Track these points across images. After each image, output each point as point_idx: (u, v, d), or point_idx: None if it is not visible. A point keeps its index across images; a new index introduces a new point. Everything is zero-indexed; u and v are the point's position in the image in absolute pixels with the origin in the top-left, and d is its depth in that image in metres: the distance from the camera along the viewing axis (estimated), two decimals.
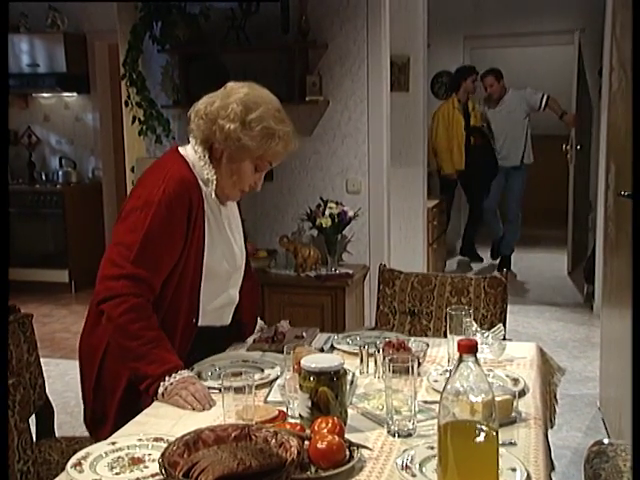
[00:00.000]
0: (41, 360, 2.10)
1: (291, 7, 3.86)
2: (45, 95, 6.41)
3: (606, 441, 1.28)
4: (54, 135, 6.52)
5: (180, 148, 1.93)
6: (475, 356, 1.18)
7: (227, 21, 3.94)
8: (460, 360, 1.18)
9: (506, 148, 6.07)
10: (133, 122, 4.16)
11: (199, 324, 1.92)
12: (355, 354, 1.93)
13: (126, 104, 4.20)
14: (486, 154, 6.16)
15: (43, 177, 6.40)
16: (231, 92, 1.85)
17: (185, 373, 1.74)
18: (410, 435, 1.49)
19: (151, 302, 1.80)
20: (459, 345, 1.18)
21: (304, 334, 2.09)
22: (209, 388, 1.75)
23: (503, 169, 6.09)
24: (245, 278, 2.12)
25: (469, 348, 1.17)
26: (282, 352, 1.75)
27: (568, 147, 6.06)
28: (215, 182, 1.86)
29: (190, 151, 1.90)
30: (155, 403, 1.70)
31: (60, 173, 6.31)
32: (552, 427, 1.87)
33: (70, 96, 6.37)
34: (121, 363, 1.79)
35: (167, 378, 1.71)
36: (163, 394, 1.70)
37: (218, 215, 1.93)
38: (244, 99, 1.82)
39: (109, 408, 1.84)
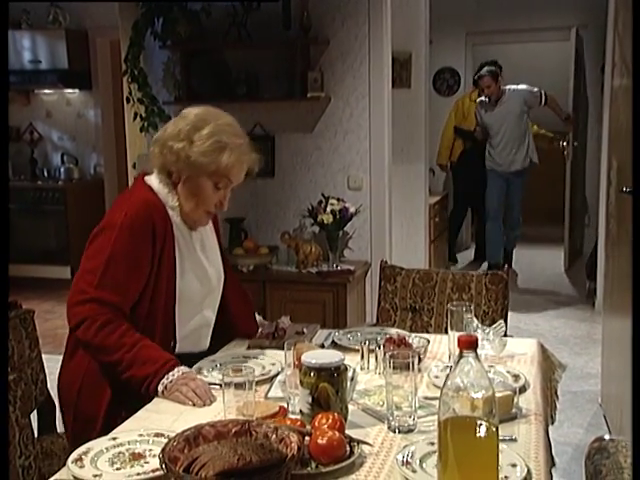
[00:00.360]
0: (43, 356, 2.10)
1: (293, 3, 3.86)
2: (47, 91, 6.41)
3: (607, 437, 1.28)
4: (56, 131, 6.52)
5: (146, 177, 1.93)
6: (475, 352, 1.18)
7: (228, 17, 3.94)
8: (460, 356, 1.18)
9: (507, 153, 5.74)
10: (135, 118, 4.16)
11: (177, 351, 1.90)
12: (356, 350, 1.93)
13: (127, 100, 4.20)
14: (474, 159, 5.98)
15: (45, 173, 6.41)
16: (183, 116, 1.87)
17: (184, 369, 1.74)
18: (411, 431, 1.49)
19: (121, 319, 1.78)
20: (459, 341, 1.18)
21: (305, 330, 2.09)
22: (210, 384, 1.75)
23: (504, 175, 5.78)
24: (233, 293, 2.12)
25: (469, 344, 1.17)
26: (283, 348, 1.75)
27: (565, 144, 6.05)
28: (179, 207, 1.87)
29: (154, 180, 1.90)
30: (156, 399, 1.70)
31: (62, 169, 6.32)
32: (553, 423, 1.87)
33: (72, 92, 6.37)
34: (118, 377, 1.76)
35: (167, 375, 1.70)
36: (163, 391, 1.70)
37: (189, 239, 1.92)
38: (193, 119, 1.84)
39: (90, 435, 1.75)
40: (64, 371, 1.90)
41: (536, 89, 5.75)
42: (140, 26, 4.00)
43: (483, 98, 5.80)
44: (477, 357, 1.19)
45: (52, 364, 2.24)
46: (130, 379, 1.73)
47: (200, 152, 1.79)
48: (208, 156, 1.79)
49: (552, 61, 7.71)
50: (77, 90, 6.32)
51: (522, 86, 5.78)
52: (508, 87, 5.73)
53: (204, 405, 1.65)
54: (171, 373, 1.71)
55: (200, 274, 1.94)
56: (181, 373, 1.71)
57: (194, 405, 1.65)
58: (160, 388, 1.70)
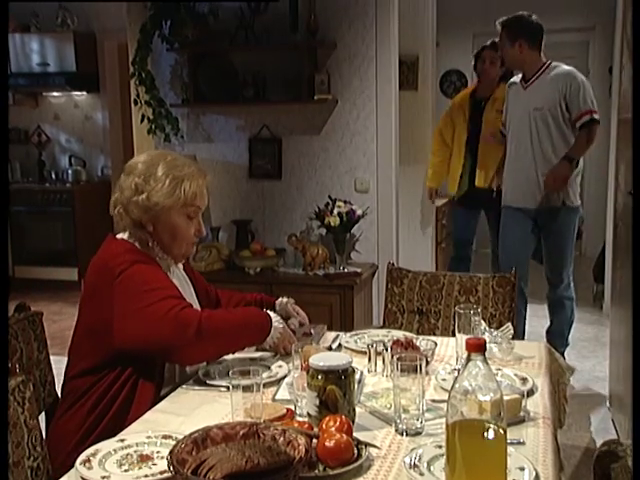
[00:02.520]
0: (51, 358, 2.11)
1: (300, 6, 3.86)
2: (55, 94, 6.44)
3: (616, 441, 1.27)
4: (64, 134, 6.55)
5: (118, 235, 1.94)
6: (483, 355, 1.18)
7: (236, 20, 3.94)
8: (468, 359, 1.18)
9: (518, 173, 3.76)
10: (142, 121, 4.17)
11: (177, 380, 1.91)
12: (363, 352, 1.94)
13: (135, 103, 4.21)
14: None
15: (53, 176, 6.44)
16: (130, 170, 1.90)
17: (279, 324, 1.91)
18: (418, 434, 1.49)
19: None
20: (467, 344, 1.17)
21: (312, 331, 2.09)
22: (217, 387, 1.76)
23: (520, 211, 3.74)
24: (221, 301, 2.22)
25: (477, 347, 1.17)
26: (290, 352, 1.75)
27: None
28: (159, 249, 1.91)
29: (126, 236, 1.92)
30: (163, 402, 1.71)
31: (70, 172, 6.35)
32: (562, 427, 1.86)
33: (80, 95, 6.40)
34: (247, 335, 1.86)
35: (272, 333, 1.88)
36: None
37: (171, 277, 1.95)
38: (142, 169, 1.87)
39: None
40: (60, 422, 1.83)
41: (588, 96, 3.54)
42: (148, 29, 4.01)
43: (516, 78, 3.77)
44: (485, 360, 1.18)
45: (60, 366, 2.24)
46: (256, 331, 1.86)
47: (163, 194, 1.84)
48: (171, 195, 1.85)
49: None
50: (85, 93, 6.35)
51: (566, 69, 3.59)
52: (555, 64, 3.64)
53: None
54: (274, 327, 1.88)
55: None
56: (281, 328, 1.91)
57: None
58: (268, 342, 1.89)
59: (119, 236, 1.93)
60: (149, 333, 1.69)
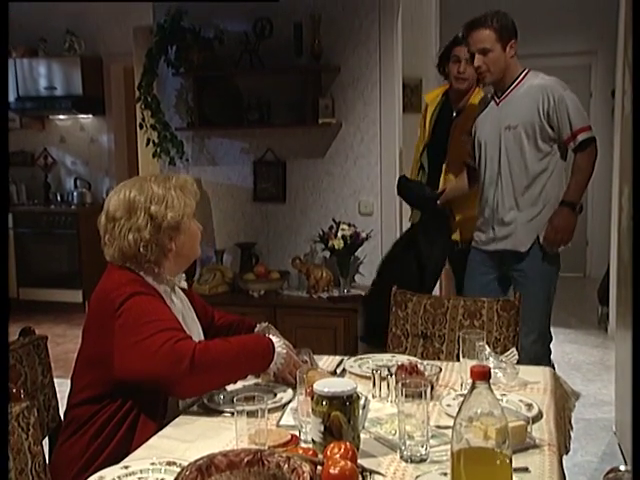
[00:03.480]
0: (55, 380, 2.11)
1: (304, 30, 3.91)
2: (61, 117, 6.51)
3: (622, 468, 1.27)
4: (69, 156, 6.60)
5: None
6: (488, 382, 1.18)
7: (241, 45, 3.99)
8: (473, 387, 1.18)
9: (490, 208, 3.11)
10: (147, 144, 4.21)
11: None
12: (367, 377, 1.93)
13: (140, 126, 4.25)
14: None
15: (58, 198, 6.49)
16: (133, 211, 1.85)
17: (282, 349, 1.85)
18: (423, 461, 1.48)
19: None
20: (472, 372, 1.17)
21: (306, 358, 2.05)
22: (221, 412, 1.75)
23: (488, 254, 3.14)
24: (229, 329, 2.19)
25: (482, 375, 1.17)
26: (294, 381, 1.74)
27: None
28: (165, 274, 1.90)
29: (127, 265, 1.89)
30: (168, 427, 1.70)
31: (75, 194, 6.39)
32: (567, 453, 1.85)
33: (86, 118, 6.46)
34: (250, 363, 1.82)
35: (275, 359, 1.83)
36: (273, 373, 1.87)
37: (173, 308, 1.92)
38: (130, 198, 1.84)
39: None
40: (63, 449, 1.82)
41: (577, 109, 2.95)
42: (154, 54, 4.06)
43: (489, 93, 3.16)
44: (490, 388, 1.18)
45: (64, 388, 2.24)
46: (258, 360, 1.82)
47: (179, 209, 1.86)
48: (185, 206, 1.88)
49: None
50: (91, 116, 6.41)
51: (546, 79, 2.99)
52: (533, 73, 3.02)
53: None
54: (278, 353, 1.83)
55: None
56: (285, 354, 1.85)
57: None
58: (272, 369, 1.84)
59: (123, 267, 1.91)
60: (145, 367, 1.67)
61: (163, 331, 1.69)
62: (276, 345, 1.84)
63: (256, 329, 2.14)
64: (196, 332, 2.01)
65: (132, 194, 1.86)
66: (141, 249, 1.84)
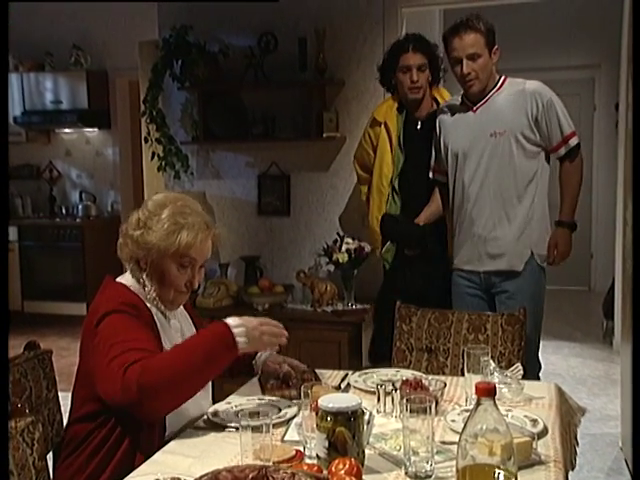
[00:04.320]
0: (59, 394, 2.10)
1: (309, 45, 3.93)
2: (67, 131, 6.54)
3: None
4: (75, 169, 6.64)
5: (120, 277, 1.92)
6: (493, 399, 1.18)
7: (246, 59, 4.02)
8: (478, 403, 1.18)
9: (479, 226, 2.91)
10: (152, 158, 4.23)
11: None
12: (372, 392, 1.92)
13: (146, 140, 4.27)
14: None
15: (63, 211, 6.52)
16: (144, 204, 1.90)
17: (236, 319, 1.75)
18: (429, 477, 1.47)
19: None
20: (477, 388, 1.17)
21: (312, 377, 2.03)
22: (226, 427, 1.75)
23: (477, 280, 2.94)
24: None
25: (487, 391, 1.17)
26: (298, 398, 1.73)
27: None
28: (154, 293, 1.87)
29: (127, 275, 1.91)
30: (172, 443, 1.70)
31: (80, 207, 6.42)
32: (573, 469, 1.84)
33: (91, 131, 6.50)
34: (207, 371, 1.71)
35: (237, 332, 1.71)
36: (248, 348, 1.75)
37: (168, 329, 1.90)
38: (151, 207, 1.86)
39: None
40: (63, 467, 1.82)
41: (565, 115, 2.83)
42: (159, 68, 4.09)
43: (453, 100, 3.02)
44: (495, 404, 1.18)
45: (68, 402, 2.24)
46: (215, 362, 1.71)
47: (158, 237, 1.81)
48: (165, 239, 1.81)
49: (569, 100, 7.76)
50: (96, 129, 6.45)
51: (534, 84, 2.85)
52: (512, 79, 2.89)
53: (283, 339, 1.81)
54: (234, 326, 1.72)
55: None
56: (241, 322, 1.73)
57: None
58: (241, 345, 1.71)
59: (120, 278, 1.91)
60: (107, 393, 1.66)
61: (124, 353, 1.65)
62: (231, 325, 1.72)
63: (257, 355, 2.10)
64: None
65: (155, 197, 1.91)
66: (119, 239, 1.89)
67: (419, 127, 3.26)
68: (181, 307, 2.02)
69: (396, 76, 3.20)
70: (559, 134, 2.80)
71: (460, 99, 2.93)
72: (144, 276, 1.87)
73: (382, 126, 3.31)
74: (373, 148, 3.39)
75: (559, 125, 2.79)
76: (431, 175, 3.09)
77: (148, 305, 1.87)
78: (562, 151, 2.82)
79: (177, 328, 1.95)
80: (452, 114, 2.94)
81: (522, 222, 2.82)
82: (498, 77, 2.87)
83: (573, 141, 2.82)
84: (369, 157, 3.44)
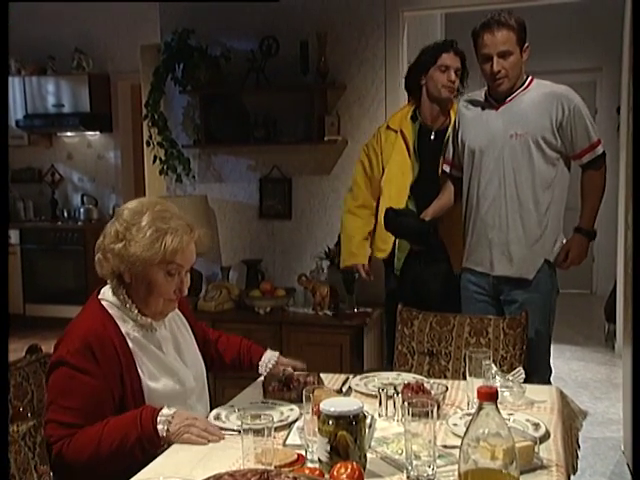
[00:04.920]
0: None
1: (310, 49, 3.93)
2: (69, 134, 6.55)
3: None
4: (77, 173, 6.64)
5: (102, 291, 1.89)
6: (495, 403, 1.18)
7: (247, 63, 4.02)
8: (480, 407, 1.18)
9: (492, 227, 2.83)
10: (154, 161, 4.23)
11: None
12: (373, 396, 1.93)
13: (147, 144, 4.28)
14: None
15: (65, 214, 6.52)
16: (118, 215, 1.84)
17: (171, 410, 1.70)
18: None
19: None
20: (479, 393, 1.17)
21: (311, 379, 2.04)
22: (228, 429, 1.75)
23: (488, 284, 2.87)
24: (225, 348, 2.16)
25: (489, 396, 1.17)
26: (300, 400, 1.73)
27: None
28: (136, 309, 1.82)
29: (107, 291, 1.87)
30: (174, 446, 1.70)
31: (81, 210, 6.43)
32: (575, 473, 1.84)
33: (93, 135, 6.51)
34: (121, 458, 1.66)
35: (159, 418, 1.66)
36: (167, 435, 1.67)
37: (146, 347, 1.84)
38: (127, 216, 1.80)
39: None
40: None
41: (592, 122, 2.76)
42: (161, 72, 4.10)
43: (476, 95, 2.89)
44: (497, 408, 1.18)
45: None
46: (130, 448, 1.65)
47: (141, 246, 1.75)
48: (149, 248, 1.75)
49: None
50: (98, 132, 6.46)
51: (561, 87, 2.78)
52: (539, 81, 2.81)
53: (219, 441, 1.68)
54: (162, 414, 1.68)
55: (173, 378, 1.87)
56: (173, 412, 1.69)
57: (209, 442, 1.67)
58: (162, 433, 1.66)
59: (102, 296, 1.87)
60: None
61: (51, 422, 1.66)
62: (162, 413, 1.69)
63: (263, 357, 2.12)
64: (191, 357, 1.97)
65: (130, 205, 1.84)
66: (96, 255, 1.84)
67: (432, 137, 3.22)
68: (177, 312, 1.99)
69: (428, 75, 3.14)
70: (586, 141, 2.72)
71: (484, 95, 2.84)
72: (124, 293, 1.82)
73: (398, 133, 3.26)
74: (380, 151, 3.33)
75: (586, 132, 2.71)
76: (446, 169, 3.02)
77: (122, 329, 1.81)
78: (586, 158, 2.74)
79: (167, 337, 1.92)
80: (473, 109, 2.86)
81: (536, 228, 2.73)
82: (526, 77, 2.78)
83: (599, 149, 2.74)
84: (377, 159, 3.34)
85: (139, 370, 1.80)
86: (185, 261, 1.82)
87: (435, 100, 3.18)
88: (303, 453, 1.59)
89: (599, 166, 2.76)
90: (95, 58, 6.20)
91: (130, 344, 1.81)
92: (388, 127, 3.33)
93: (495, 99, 2.80)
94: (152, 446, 1.67)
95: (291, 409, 1.87)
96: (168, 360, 1.88)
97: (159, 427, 1.66)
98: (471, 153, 2.82)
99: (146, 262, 1.76)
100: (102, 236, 1.83)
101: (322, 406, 1.50)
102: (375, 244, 3.42)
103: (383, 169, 3.31)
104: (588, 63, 6.64)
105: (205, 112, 4.12)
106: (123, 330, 1.81)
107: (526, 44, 2.73)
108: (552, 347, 2.88)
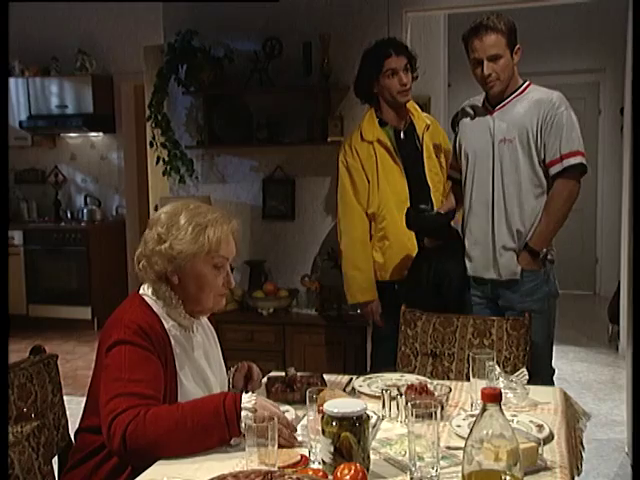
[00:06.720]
0: (64, 398, 2.11)
1: (313, 50, 3.94)
2: (72, 135, 6.56)
3: None
4: (80, 174, 6.65)
5: (141, 292, 1.89)
6: (499, 405, 1.17)
7: (250, 64, 4.02)
8: (484, 409, 1.18)
9: (478, 229, 2.86)
10: (157, 162, 4.24)
11: None
12: (377, 397, 1.92)
13: (151, 145, 4.29)
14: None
15: (68, 215, 6.53)
16: (154, 222, 1.86)
17: (249, 399, 1.66)
18: None
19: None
20: (483, 394, 1.17)
21: (319, 381, 2.04)
22: None
23: (484, 288, 2.85)
24: None
25: (493, 397, 1.16)
26: (304, 401, 1.73)
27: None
28: (181, 306, 1.84)
29: (148, 291, 1.87)
30: None
31: (85, 211, 6.43)
32: (579, 475, 1.83)
33: (96, 136, 6.51)
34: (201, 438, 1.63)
35: (243, 407, 1.63)
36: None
37: (187, 350, 1.87)
38: (165, 219, 1.83)
39: None
40: (69, 476, 1.82)
41: (576, 131, 2.68)
42: (164, 73, 4.11)
43: (476, 100, 2.88)
44: (501, 410, 1.18)
45: (73, 406, 2.25)
46: (208, 435, 1.63)
47: (187, 242, 1.79)
48: (194, 243, 1.79)
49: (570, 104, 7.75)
50: (101, 133, 6.46)
51: (551, 93, 2.74)
52: (534, 86, 2.79)
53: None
54: (246, 401, 1.64)
55: (202, 383, 1.89)
56: (251, 406, 1.64)
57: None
58: (246, 420, 1.60)
59: (143, 292, 1.88)
60: (101, 425, 1.67)
61: (120, 396, 1.65)
62: (243, 401, 1.66)
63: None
64: (217, 368, 1.98)
65: (165, 210, 1.87)
66: (140, 264, 1.84)
67: (403, 137, 3.19)
68: (207, 321, 2.01)
69: (379, 84, 3.09)
70: (557, 152, 2.63)
71: (482, 100, 2.84)
72: (170, 291, 1.83)
73: (375, 143, 3.14)
74: (361, 165, 3.16)
75: (560, 140, 2.62)
76: (450, 173, 3.07)
77: (167, 327, 1.83)
78: (554, 169, 2.64)
79: (200, 342, 1.93)
80: (472, 114, 2.85)
81: (524, 235, 2.69)
82: (522, 82, 2.76)
83: (570, 160, 2.62)
84: (360, 176, 3.16)
85: (177, 367, 1.82)
86: (229, 252, 1.88)
87: (393, 105, 3.15)
88: (306, 454, 1.58)
89: (570, 177, 2.64)
90: (98, 59, 6.21)
91: (172, 340, 1.83)
92: (362, 139, 3.17)
93: (490, 103, 2.78)
94: (233, 433, 1.64)
95: (286, 411, 1.85)
96: (200, 364, 1.90)
97: (242, 414, 1.63)
98: (466, 157, 2.83)
99: (194, 257, 1.80)
100: (142, 244, 1.85)
101: (325, 407, 1.50)
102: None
103: (369, 181, 3.15)
104: (592, 64, 6.63)
105: (208, 113, 4.12)
106: (166, 326, 1.84)
107: (517, 46, 2.71)
108: (555, 348, 2.86)
